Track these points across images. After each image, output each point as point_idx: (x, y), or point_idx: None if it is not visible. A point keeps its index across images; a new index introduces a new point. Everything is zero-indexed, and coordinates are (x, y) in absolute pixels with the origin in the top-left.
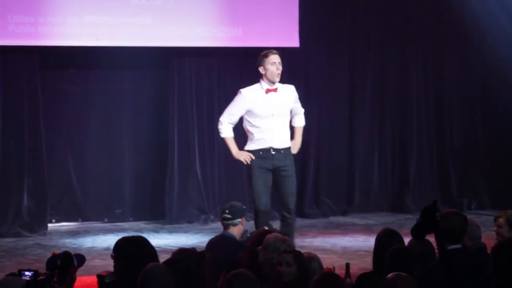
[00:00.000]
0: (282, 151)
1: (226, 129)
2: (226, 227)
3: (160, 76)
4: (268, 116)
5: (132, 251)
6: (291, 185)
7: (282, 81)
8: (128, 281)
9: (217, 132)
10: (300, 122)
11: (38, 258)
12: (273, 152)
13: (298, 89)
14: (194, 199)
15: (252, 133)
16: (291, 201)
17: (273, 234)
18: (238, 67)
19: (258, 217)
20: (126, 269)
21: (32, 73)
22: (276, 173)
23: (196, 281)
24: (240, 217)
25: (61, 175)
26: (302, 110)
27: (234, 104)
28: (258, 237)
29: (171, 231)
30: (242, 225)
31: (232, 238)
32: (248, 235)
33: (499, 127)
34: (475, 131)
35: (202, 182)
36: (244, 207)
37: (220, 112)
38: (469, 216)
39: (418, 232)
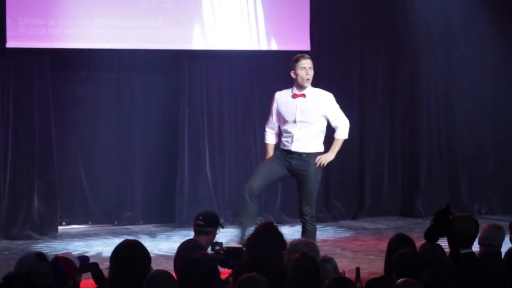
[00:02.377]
0: (304, 155)
1: (267, 136)
2: (197, 234)
3: (171, 78)
4: (291, 121)
5: (126, 256)
6: (306, 191)
7: (293, 82)
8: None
9: (227, 135)
10: (337, 134)
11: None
12: (294, 155)
13: None
14: (204, 202)
15: (282, 135)
16: (305, 206)
17: (298, 238)
18: (249, 70)
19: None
20: (120, 274)
21: (42, 75)
22: (295, 176)
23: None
24: (213, 226)
25: (71, 178)
26: (341, 123)
27: (270, 108)
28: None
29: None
30: (214, 235)
31: (198, 246)
32: (221, 250)
33: (510, 131)
34: (486, 135)
35: (212, 185)
36: (222, 220)
37: (230, 114)
38: (486, 222)
39: (431, 235)
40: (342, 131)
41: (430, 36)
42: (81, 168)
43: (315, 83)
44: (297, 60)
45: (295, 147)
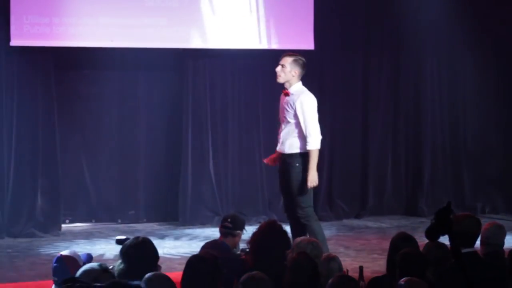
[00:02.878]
0: (285, 157)
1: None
2: (224, 235)
3: (175, 77)
4: (280, 119)
5: (136, 254)
6: (284, 190)
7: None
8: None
9: (231, 134)
10: (307, 145)
11: (51, 258)
12: (280, 155)
13: (312, 92)
14: (207, 201)
15: None
16: (295, 208)
17: (302, 237)
18: (252, 69)
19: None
20: (128, 270)
21: (46, 73)
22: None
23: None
24: (240, 229)
25: (75, 176)
26: (309, 134)
27: None
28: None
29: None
30: (239, 238)
31: (226, 248)
32: (242, 252)
33: None
34: (489, 134)
35: (216, 184)
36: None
37: (234, 113)
38: (488, 221)
39: (432, 233)
40: (311, 143)
41: (435, 38)
42: (84, 166)
43: (320, 85)
44: None
45: (278, 146)
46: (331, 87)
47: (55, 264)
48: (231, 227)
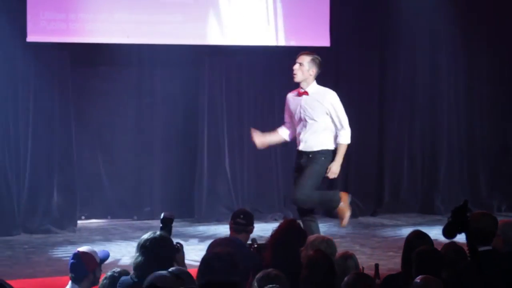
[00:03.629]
0: (310, 155)
1: (281, 128)
2: (237, 232)
3: (190, 74)
4: (297, 119)
5: (154, 249)
6: (302, 177)
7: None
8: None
9: (246, 130)
10: (339, 139)
11: (67, 254)
12: (303, 155)
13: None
14: (223, 198)
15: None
16: (297, 191)
17: (315, 234)
18: (268, 66)
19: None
20: (145, 265)
21: (62, 69)
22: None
23: None
24: (252, 224)
25: (90, 172)
26: (343, 127)
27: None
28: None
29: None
30: (251, 233)
31: (241, 245)
32: (255, 244)
33: None
34: (505, 132)
35: (231, 180)
36: None
37: (249, 110)
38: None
39: (449, 231)
40: (344, 136)
41: (451, 35)
42: (100, 163)
43: (336, 82)
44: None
45: (302, 146)
46: (347, 84)
47: (72, 261)
48: (244, 223)
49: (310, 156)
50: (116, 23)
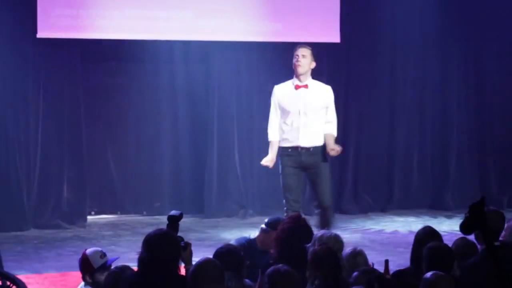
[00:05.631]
0: (311, 149)
1: (270, 133)
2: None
3: (201, 70)
4: (295, 113)
5: (157, 245)
6: (324, 182)
7: (323, 77)
8: (147, 274)
9: (256, 126)
10: (332, 130)
11: (77, 250)
12: (301, 150)
13: (338, 85)
14: (233, 193)
15: (282, 130)
16: (326, 199)
17: (322, 230)
18: (278, 61)
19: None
20: (149, 262)
21: (73, 65)
22: (308, 172)
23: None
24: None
25: (100, 168)
26: (334, 118)
27: (271, 102)
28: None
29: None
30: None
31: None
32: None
33: None
34: None
35: (241, 176)
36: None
37: (259, 106)
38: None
39: (466, 227)
40: (335, 127)
41: (462, 31)
42: (110, 158)
43: (346, 78)
44: (294, 50)
45: (302, 141)
46: (357, 80)
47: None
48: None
49: (312, 150)
50: (127, 19)
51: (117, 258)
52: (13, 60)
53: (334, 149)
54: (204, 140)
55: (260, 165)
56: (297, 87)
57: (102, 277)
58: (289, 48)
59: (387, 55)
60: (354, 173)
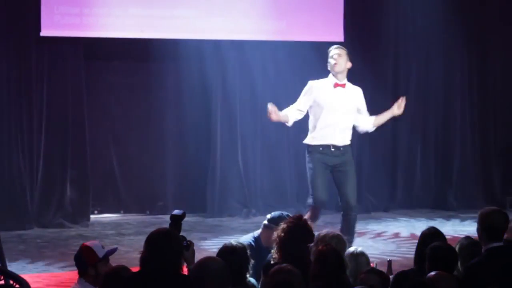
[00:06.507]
0: (341, 148)
1: (287, 109)
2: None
3: (204, 69)
4: (332, 110)
5: (159, 244)
6: (351, 182)
7: (326, 76)
8: (149, 273)
9: (259, 126)
10: (371, 118)
11: None
12: (333, 149)
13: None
14: (236, 193)
15: (314, 127)
16: (352, 198)
17: (325, 230)
18: (282, 61)
19: (313, 210)
20: (151, 260)
21: (76, 64)
22: (335, 171)
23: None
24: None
25: (103, 167)
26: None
27: (302, 94)
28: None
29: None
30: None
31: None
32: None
33: None
34: None
35: (244, 176)
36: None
37: (263, 105)
38: None
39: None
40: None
41: (466, 31)
42: (113, 157)
43: (349, 77)
44: (328, 51)
45: (338, 140)
46: (360, 79)
47: (76, 254)
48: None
49: (342, 149)
50: (130, 17)
51: (115, 249)
52: (17, 58)
53: (398, 106)
54: (207, 139)
55: (264, 164)
56: (335, 85)
57: (105, 268)
58: (293, 47)
59: (391, 54)
60: (357, 172)
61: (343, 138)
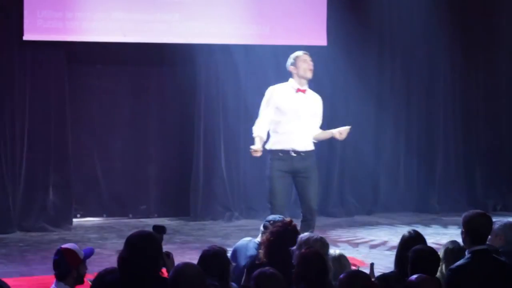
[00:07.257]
0: (302, 154)
1: (257, 129)
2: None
3: (187, 73)
4: (293, 115)
5: (139, 245)
6: (313, 188)
7: (309, 80)
8: (127, 273)
9: (243, 129)
10: (320, 130)
11: None
12: (294, 154)
13: (324, 88)
14: (219, 196)
15: (275, 132)
16: (313, 203)
17: (307, 233)
18: (265, 65)
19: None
20: (130, 262)
21: (59, 68)
22: (296, 177)
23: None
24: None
25: (86, 170)
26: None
27: (265, 103)
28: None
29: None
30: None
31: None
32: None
33: None
34: (501, 132)
35: (227, 179)
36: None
37: (246, 109)
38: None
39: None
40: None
41: (449, 35)
42: (96, 161)
43: (332, 81)
44: (298, 55)
45: (299, 145)
46: (344, 84)
47: (55, 257)
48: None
49: (303, 154)
50: (113, 21)
51: (92, 250)
52: None
53: (340, 131)
54: (190, 143)
55: (247, 168)
56: (298, 90)
57: (85, 269)
58: (277, 52)
59: (374, 58)
60: (339, 176)
61: (305, 143)
